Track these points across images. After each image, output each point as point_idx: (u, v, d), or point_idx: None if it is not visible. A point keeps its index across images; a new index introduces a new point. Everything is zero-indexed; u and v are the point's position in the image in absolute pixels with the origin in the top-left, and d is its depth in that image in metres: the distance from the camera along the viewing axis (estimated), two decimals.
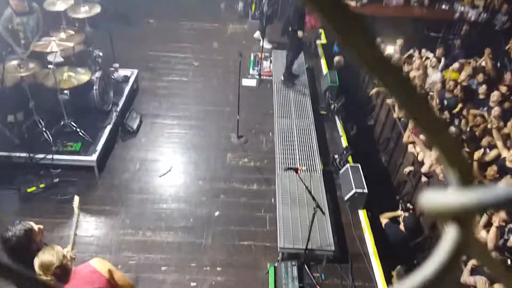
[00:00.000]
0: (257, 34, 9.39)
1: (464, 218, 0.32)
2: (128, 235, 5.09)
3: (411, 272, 0.35)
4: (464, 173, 0.33)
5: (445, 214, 0.32)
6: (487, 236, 4.76)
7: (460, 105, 7.12)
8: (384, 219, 5.64)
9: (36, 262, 2.58)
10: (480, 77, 7.61)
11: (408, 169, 6.36)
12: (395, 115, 7.33)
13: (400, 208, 5.63)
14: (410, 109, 0.31)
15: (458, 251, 0.33)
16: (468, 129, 6.57)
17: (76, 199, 3.68)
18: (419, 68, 7.75)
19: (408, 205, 5.64)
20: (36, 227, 3.04)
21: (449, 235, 0.33)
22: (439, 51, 8.37)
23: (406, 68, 8.06)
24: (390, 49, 8.45)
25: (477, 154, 5.72)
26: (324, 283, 4.77)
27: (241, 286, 4.66)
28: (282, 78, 7.89)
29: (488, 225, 4.95)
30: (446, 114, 6.65)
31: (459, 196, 0.31)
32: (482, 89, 7.43)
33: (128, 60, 8.07)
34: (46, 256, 2.61)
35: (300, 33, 7.19)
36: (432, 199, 0.32)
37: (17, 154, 5.58)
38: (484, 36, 9.64)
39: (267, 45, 9.03)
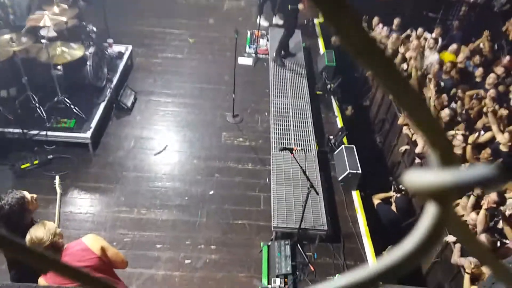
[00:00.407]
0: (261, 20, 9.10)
1: (442, 196, 0.33)
2: (123, 212, 5.11)
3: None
4: (445, 154, 0.34)
5: (425, 193, 0.33)
6: (477, 218, 4.84)
7: (456, 88, 7.12)
8: (376, 200, 5.71)
9: (27, 237, 2.59)
10: (477, 59, 7.58)
11: (403, 148, 6.38)
12: (390, 97, 7.31)
13: (392, 189, 5.69)
14: (392, 90, 0.32)
15: (437, 228, 0.34)
16: (463, 111, 6.59)
17: (57, 178, 3.67)
18: (416, 49, 7.69)
19: (401, 186, 5.70)
20: (29, 196, 3.04)
21: (429, 213, 0.34)
22: (436, 32, 8.30)
23: (402, 48, 8.00)
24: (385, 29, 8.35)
25: (471, 138, 5.75)
26: (316, 262, 4.85)
27: (235, 264, 4.73)
28: (274, 55, 7.79)
29: (478, 207, 5.02)
30: (444, 96, 6.65)
31: (439, 176, 0.33)
32: (479, 71, 7.41)
33: (122, 36, 7.94)
34: (37, 233, 2.61)
35: (300, 5, 7.06)
36: (414, 178, 0.33)
37: (11, 130, 5.54)
38: (482, 18, 9.56)
39: (264, 23, 8.89)
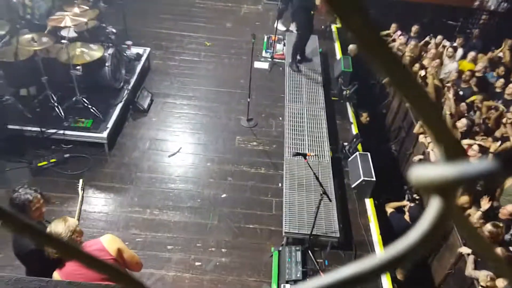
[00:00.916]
0: (280, 25, 9.10)
1: (446, 190, 0.34)
2: (135, 213, 5.16)
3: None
4: (449, 148, 0.35)
5: (429, 186, 0.34)
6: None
7: (474, 96, 7.01)
8: (389, 209, 5.64)
9: (47, 230, 2.63)
10: (502, 70, 7.43)
11: (418, 157, 6.31)
12: (407, 104, 7.24)
13: (406, 198, 5.62)
14: (398, 84, 0.33)
15: (440, 221, 0.35)
16: (481, 120, 6.49)
17: (81, 181, 3.72)
18: (434, 58, 7.61)
19: (415, 195, 5.63)
20: (36, 198, 3.05)
21: (432, 206, 0.35)
22: (458, 41, 8.22)
23: (420, 55, 7.92)
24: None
25: (493, 147, 5.67)
26: (327, 269, 4.81)
27: (245, 268, 4.72)
28: (289, 61, 7.76)
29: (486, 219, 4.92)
30: (463, 105, 6.56)
31: (442, 170, 0.33)
32: (500, 82, 7.29)
33: (141, 38, 8.05)
34: (57, 227, 2.66)
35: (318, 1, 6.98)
36: (419, 173, 0.34)
37: (29, 128, 5.64)
38: (503, 26, 9.41)
39: (281, 27, 8.90)
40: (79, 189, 3.67)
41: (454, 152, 0.35)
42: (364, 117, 6.93)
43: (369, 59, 0.32)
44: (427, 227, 0.35)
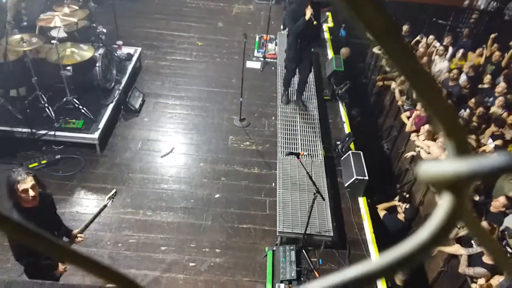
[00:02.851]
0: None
1: (458, 186, 0.33)
2: (128, 214, 5.12)
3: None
4: (460, 143, 0.34)
5: (440, 183, 0.33)
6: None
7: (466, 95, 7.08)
8: (381, 211, 5.65)
9: None
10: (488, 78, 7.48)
11: (409, 154, 6.33)
12: (399, 103, 7.29)
13: (398, 199, 5.64)
14: (410, 77, 0.32)
15: (452, 218, 0.34)
16: (473, 118, 6.54)
17: (113, 191, 3.64)
18: (423, 56, 7.67)
19: (405, 194, 5.66)
20: (22, 186, 2.94)
21: (444, 203, 0.34)
22: (447, 40, 8.27)
23: None
24: None
25: (487, 148, 5.73)
26: (321, 268, 4.82)
27: (239, 268, 4.71)
28: (281, 93, 6.86)
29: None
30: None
31: (454, 165, 0.32)
32: (487, 78, 7.38)
33: (132, 38, 8.00)
34: None
35: (308, 13, 5.46)
36: (429, 168, 0.33)
37: (20, 129, 5.58)
38: (493, 26, 9.51)
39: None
40: (107, 197, 3.55)
41: (465, 146, 0.34)
42: (356, 115, 6.93)
43: (383, 51, 0.31)
44: (438, 225, 0.34)
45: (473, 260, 4.62)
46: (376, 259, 0.35)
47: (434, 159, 5.95)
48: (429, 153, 5.94)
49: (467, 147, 0.34)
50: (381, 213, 5.62)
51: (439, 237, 0.35)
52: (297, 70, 6.46)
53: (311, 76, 7.59)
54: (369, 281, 0.36)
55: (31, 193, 2.97)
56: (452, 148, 0.34)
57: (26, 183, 2.95)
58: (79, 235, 3.54)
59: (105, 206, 3.54)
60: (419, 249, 0.35)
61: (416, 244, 0.35)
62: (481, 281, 4.34)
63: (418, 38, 8.33)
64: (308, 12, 5.45)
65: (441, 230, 0.34)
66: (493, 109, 6.63)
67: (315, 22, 5.54)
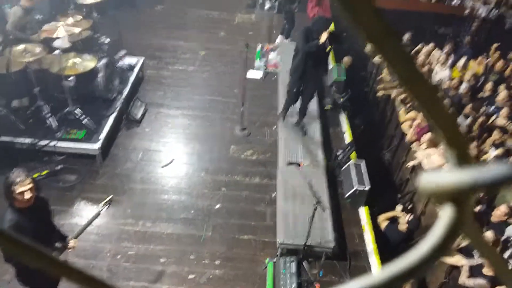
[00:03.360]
0: (279, 39, 8.95)
1: (460, 197, 0.33)
2: (128, 225, 5.11)
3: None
4: (462, 153, 0.34)
5: (442, 194, 0.33)
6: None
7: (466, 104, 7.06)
8: (383, 222, 5.58)
9: None
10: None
11: (411, 163, 6.30)
12: (399, 112, 7.28)
13: (401, 209, 5.58)
14: (409, 85, 0.32)
15: (453, 230, 0.34)
16: (475, 127, 6.52)
17: (109, 197, 3.75)
18: (423, 65, 7.67)
19: (408, 205, 5.63)
20: (20, 188, 2.95)
21: (445, 214, 0.33)
22: (447, 48, 8.27)
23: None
24: None
25: (488, 156, 5.71)
26: (322, 280, 4.79)
27: (239, 280, 4.69)
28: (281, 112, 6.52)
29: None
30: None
31: (456, 176, 0.32)
32: (488, 85, 7.37)
33: (134, 48, 8.05)
34: None
35: (324, 37, 5.20)
36: (429, 179, 0.33)
37: (21, 140, 5.60)
38: (494, 34, 9.51)
39: (280, 40, 8.89)
40: (103, 202, 3.62)
41: (466, 156, 0.34)
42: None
43: (382, 57, 0.31)
44: (440, 237, 0.34)
45: (475, 272, 4.58)
46: (378, 272, 0.35)
47: (435, 168, 5.93)
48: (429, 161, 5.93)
49: (469, 157, 0.34)
50: (383, 224, 5.58)
51: (441, 249, 0.34)
52: (300, 95, 6.09)
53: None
54: None
55: (28, 195, 2.99)
56: (453, 158, 0.34)
57: (24, 185, 2.97)
58: (72, 240, 3.51)
59: (99, 212, 3.61)
60: (421, 262, 0.34)
61: (418, 257, 0.35)
62: None
63: (419, 46, 8.33)
64: (325, 35, 5.19)
65: (442, 243, 0.34)
66: (498, 121, 6.59)
67: (330, 47, 5.32)
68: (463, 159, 0.33)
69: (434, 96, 0.32)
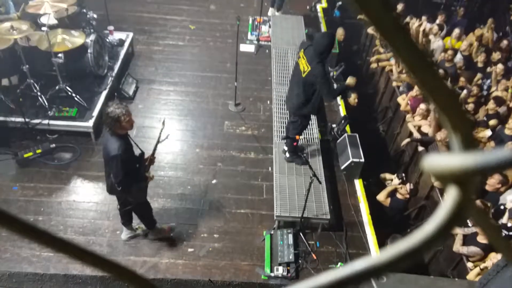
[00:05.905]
0: (271, 11, 8.84)
1: (464, 180, 0.33)
2: None
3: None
4: (467, 136, 0.34)
5: (447, 176, 0.33)
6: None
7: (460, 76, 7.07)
8: (384, 198, 5.55)
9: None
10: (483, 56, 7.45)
11: (405, 141, 6.34)
12: (394, 84, 7.28)
13: (398, 179, 5.60)
14: (412, 67, 0.32)
15: (458, 212, 0.34)
16: (469, 99, 6.55)
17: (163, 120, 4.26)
18: (415, 37, 7.60)
19: (403, 175, 5.68)
20: (129, 116, 3.54)
21: (450, 196, 0.34)
22: (440, 18, 8.19)
23: None
24: None
25: (482, 134, 5.74)
26: (318, 250, 4.88)
27: (238, 253, 4.75)
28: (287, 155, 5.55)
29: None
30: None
31: (461, 159, 0.32)
32: (482, 56, 7.35)
33: (123, 23, 7.88)
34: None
35: (353, 82, 4.76)
36: (435, 161, 0.34)
37: (13, 119, 5.52)
38: (488, 4, 9.43)
39: (270, 13, 8.75)
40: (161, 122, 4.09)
41: (471, 139, 0.34)
42: (353, 98, 6.90)
43: (387, 42, 0.30)
44: (444, 218, 0.35)
45: (468, 239, 4.69)
46: (383, 252, 0.36)
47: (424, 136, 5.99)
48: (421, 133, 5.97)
49: (473, 140, 0.34)
50: (386, 201, 5.56)
51: (446, 230, 0.35)
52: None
53: None
54: (376, 274, 0.36)
55: (132, 120, 3.68)
56: (458, 142, 0.34)
57: (130, 113, 3.57)
58: (152, 157, 4.17)
59: (162, 130, 4.20)
60: (427, 242, 0.35)
61: (423, 238, 0.35)
62: (480, 263, 4.41)
63: (407, 19, 8.18)
64: (353, 81, 4.74)
65: (447, 224, 0.35)
66: (496, 93, 6.59)
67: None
68: (468, 142, 0.34)
69: (438, 81, 0.32)
